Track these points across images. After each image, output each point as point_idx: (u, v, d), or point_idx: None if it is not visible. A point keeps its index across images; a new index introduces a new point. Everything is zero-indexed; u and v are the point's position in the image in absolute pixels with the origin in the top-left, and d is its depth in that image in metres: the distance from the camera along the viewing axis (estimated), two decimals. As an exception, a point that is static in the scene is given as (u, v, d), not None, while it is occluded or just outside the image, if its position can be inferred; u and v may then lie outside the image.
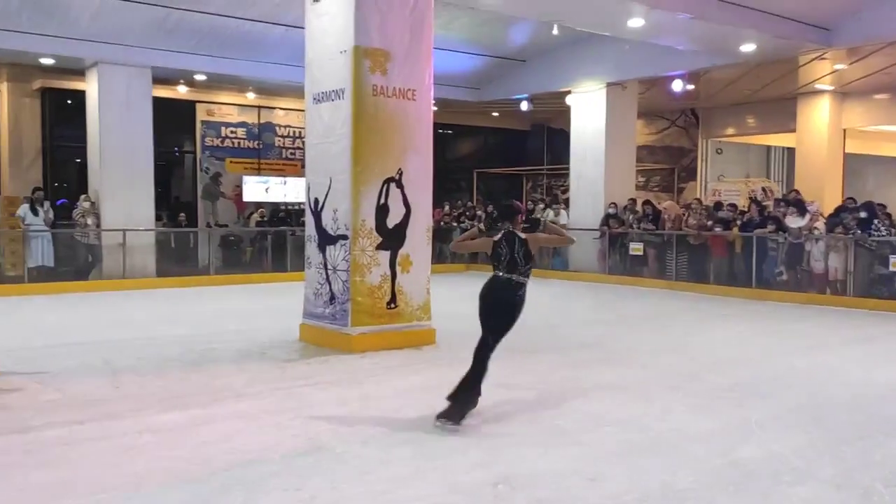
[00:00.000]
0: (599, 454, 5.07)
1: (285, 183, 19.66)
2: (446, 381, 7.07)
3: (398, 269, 8.80)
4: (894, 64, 15.36)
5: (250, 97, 19.56)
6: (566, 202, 19.02)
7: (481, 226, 5.68)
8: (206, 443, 5.24)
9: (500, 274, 5.80)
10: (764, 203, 15.62)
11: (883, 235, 12.58)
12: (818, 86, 17.73)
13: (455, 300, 11.41)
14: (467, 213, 19.97)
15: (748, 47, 13.60)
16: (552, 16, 13.08)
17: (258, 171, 19.95)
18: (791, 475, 4.72)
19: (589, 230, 16.46)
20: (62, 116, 17.63)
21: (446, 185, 22.20)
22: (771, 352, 8.91)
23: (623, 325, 10.80)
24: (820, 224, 13.50)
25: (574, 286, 15.36)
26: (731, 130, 21.59)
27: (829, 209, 14.72)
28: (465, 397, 5.69)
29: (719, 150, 22.21)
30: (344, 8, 8.55)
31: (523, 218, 6.21)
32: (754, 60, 14.80)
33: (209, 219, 18.83)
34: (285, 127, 20.46)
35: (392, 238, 8.76)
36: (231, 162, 19.72)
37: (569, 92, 17.71)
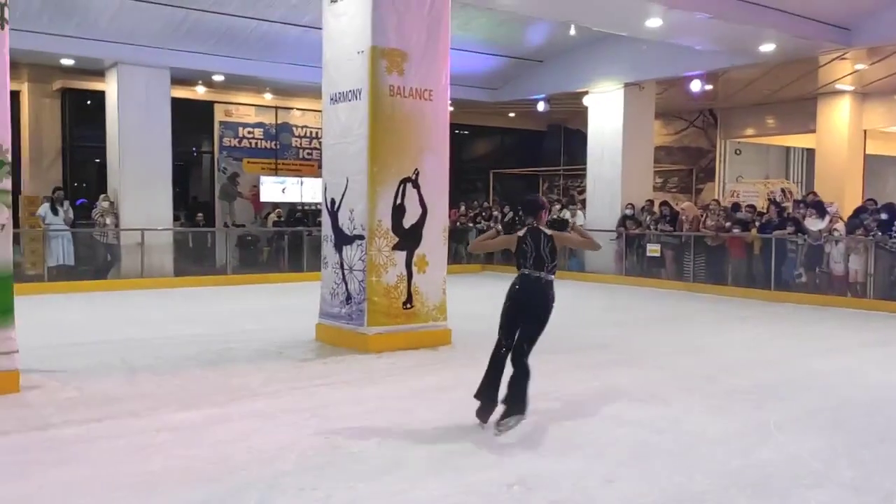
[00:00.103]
0: (615, 456, 5.04)
1: (302, 183, 19.73)
2: (462, 381, 7.07)
3: (414, 269, 8.80)
4: (916, 64, 15.21)
5: (268, 98, 19.65)
6: (583, 203, 18.95)
7: (499, 227, 5.54)
8: (223, 442, 5.26)
9: (528, 272, 5.58)
10: (783, 204, 15.49)
11: (904, 237, 12.44)
12: (838, 86, 17.56)
13: (471, 300, 11.41)
14: (483, 214, 19.95)
15: (767, 47, 13.49)
16: (569, 16, 13.04)
17: (275, 172, 20.03)
18: (810, 478, 4.68)
19: (606, 231, 16.40)
20: (82, 117, 17.79)
21: (462, 185, 22.20)
22: (790, 354, 8.83)
23: (640, 327, 10.74)
24: (840, 226, 13.37)
25: (590, 287, 15.30)
26: (750, 131, 21.42)
27: (849, 211, 14.58)
28: (481, 398, 5.65)
29: (738, 151, 22.05)
30: (361, 8, 8.56)
31: (548, 213, 6.04)
32: (774, 60, 14.68)
33: (226, 219, 18.94)
34: (302, 127, 20.53)
35: (408, 238, 8.76)
36: (248, 162, 19.81)
37: (586, 92, 17.64)
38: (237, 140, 19.68)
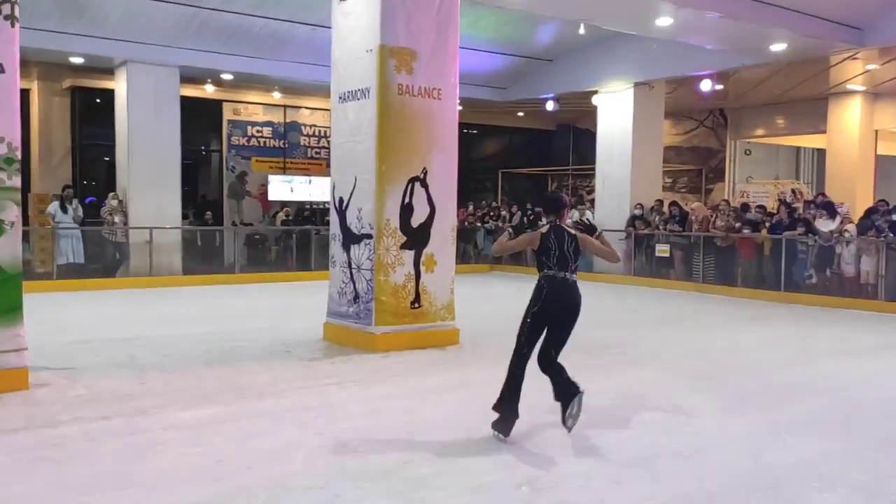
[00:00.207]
0: (624, 457, 5.01)
1: (310, 182, 19.75)
2: (469, 381, 7.06)
3: (422, 268, 8.79)
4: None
5: (276, 96, 19.68)
6: (592, 203, 18.91)
7: (510, 229, 5.41)
8: (230, 440, 5.26)
9: (553, 273, 5.30)
10: (794, 205, 15.41)
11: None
12: (850, 86, 17.46)
13: (479, 300, 11.40)
14: (492, 214, 19.93)
15: (778, 47, 13.42)
16: (579, 15, 13.00)
17: (283, 171, 20.07)
18: (820, 481, 4.64)
19: (615, 231, 16.34)
20: (91, 115, 17.85)
21: (471, 184, 22.18)
22: (800, 356, 8.78)
23: (649, 328, 10.70)
24: (851, 227, 13.29)
25: (598, 287, 15.23)
26: (760, 131, 21.33)
27: (860, 212, 14.49)
28: (506, 410, 5.34)
29: (748, 151, 21.96)
30: (370, 7, 8.55)
31: (569, 212, 5.86)
32: (784, 60, 14.61)
33: (235, 217, 18.98)
34: (311, 126, 20.56)
35: (416, 237, 8.75)
36: (257, 161, 19.86)
37: (595, 92, 17.60)
38: (246, 139, 19.73)
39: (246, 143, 19.74)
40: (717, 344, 9.42)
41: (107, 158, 17.29)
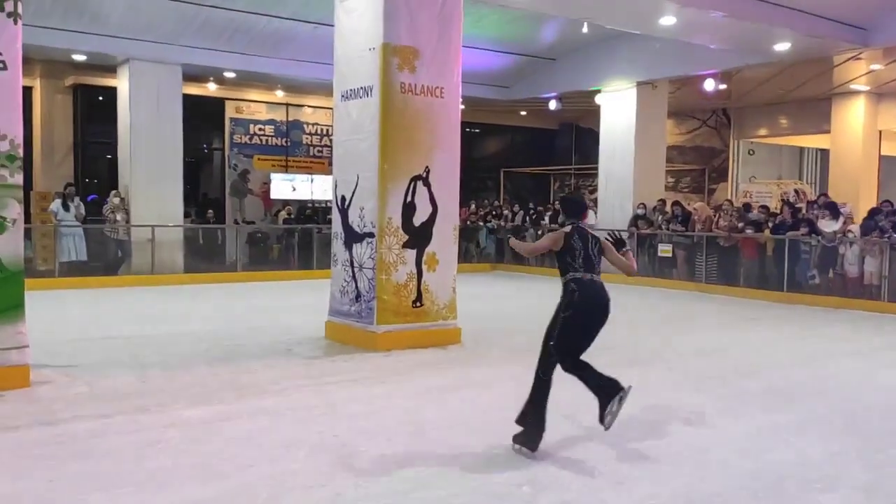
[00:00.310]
0: (625, 457, 5.00)
1: (312, 180, 19.76)
2: (470, 380, 7.06)
3: (424, 267, 8.77)
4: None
5: (279, 95, 19.68)
6: (594, 202, 18.89)
7: (512, 239, 5.27)
8: (232, 438, 5.25)
9: (581, 275, 5.03)
10: (797, 205, 15.39)
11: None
12: (853, 86, 17.43)
13: (481, 300, 11.38)
14: (494, 213, 19.92)
15: (782, 46, 13.40)
16: (582, 14, 12.98)
17: (286, 169, 20.07)
18: (822, 482, 4.63)
19: (617, 231, 16.30)
20: (93, 113, 17.85)
21: (473, 184, 22.18)
22: (802, 356, 8.76)
23: (650, 328, 10.67)
24: (854, 227, 13.26)
25: (601, 287, 15.23)
26: (763, 131, 21.30)
27: (863, 212, 14.46)
28: (534, 421, 5.03)
29: (751, 151, 21.93)
30: (373, 5, 8.54)
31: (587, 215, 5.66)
32: (788, 60, 14.58)
33: (237, 216, 18.98)
34: (313, 125, 20.55)
35: (418, 236, 8.74)
36: (259, 159, 19.86)
37: (598, 91, 17.58)
38: (248, 137, 19.73)
39: (248, 142, 19.74)
40: (720, 344, 9.40)
41: (109, 156, 17.29)
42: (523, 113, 22.75)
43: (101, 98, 17.55)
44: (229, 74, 17.17)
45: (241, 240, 17.06)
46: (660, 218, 16.29)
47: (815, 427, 5.80)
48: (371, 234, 8.59)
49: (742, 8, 11.85)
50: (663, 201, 16.82)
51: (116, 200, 15.12)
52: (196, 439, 5.23)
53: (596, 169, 18.27)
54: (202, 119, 18.64)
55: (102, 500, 4.20)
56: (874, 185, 18.28)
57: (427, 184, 8.75)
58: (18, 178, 6.54)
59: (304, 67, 16.13)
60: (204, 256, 16.32)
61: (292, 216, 18.40)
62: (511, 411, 5.88)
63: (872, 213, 13.65)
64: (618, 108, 17.31)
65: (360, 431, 5.43)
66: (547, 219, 18.39)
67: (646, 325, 10.86)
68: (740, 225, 14.63)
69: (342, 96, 9.10)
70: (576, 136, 23.90)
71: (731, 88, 18.33)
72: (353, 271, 8.87)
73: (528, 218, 19.11)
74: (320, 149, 20.53)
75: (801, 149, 22.57)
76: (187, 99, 16.07)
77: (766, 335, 10.18)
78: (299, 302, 12.18)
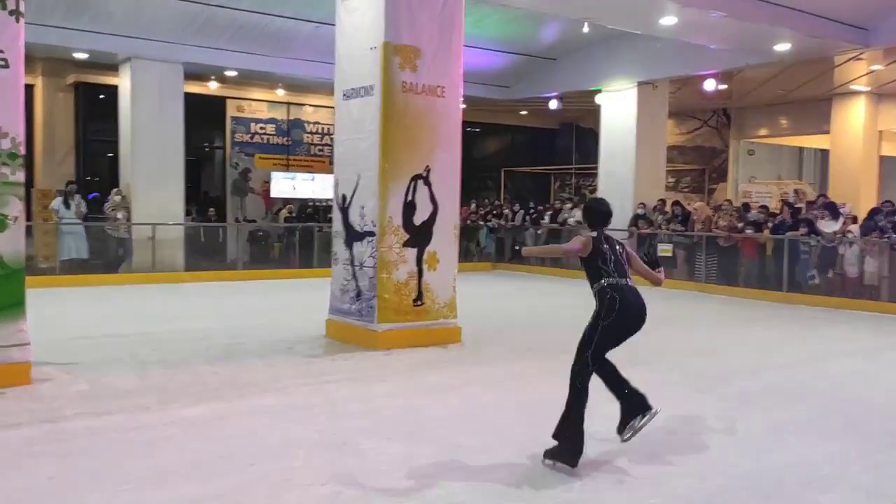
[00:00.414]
0: (625, 457, 5.01)
1: (313, 179, 19.76)
2: (470, 379, 7.07)
3: (425, 266, 8.78)
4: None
5: (280, 94, 19.69)
6: (595, 202, 18.88)
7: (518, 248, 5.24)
8: (232, 437, 5.26)
9: (616, 281, 4.99)
10: (797, 205, 15.40)
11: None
12: (854, 86, 17.42)
13: (481, 299, 11.38)
14: (494, 212, 19.93)
15: (783, 46, 13.39)
16: (583, 13, 12.98)
17: (287, 168, 20.08)
18: (821, 482, 4.64)
19: (617, 230, 16.32)
20: (95, 111, 17.86)
21: (473, 183, 22.17)
22: (802, 356, 8.77)
23: (650, 328, 10.60)
24: (854, 228, 13.26)
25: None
26: (763, 131, 21.29)
27: (863, 212, 14.46)
28: (572, 434, 4.80)
29: (751, 152, 21.92)
30: (374, 4, 8.54)
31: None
32: (789, 60, 14.58)
33: (238, 214, 18.99)
34: (314, 123, 20.56)
35: (419, 235, 8.74)
36: (260, 158, 19.87)
37: (599, 90, 17.57)
38: (249, 136, 19.74)
39: (249, 140, 19.75)
40: (719, 344, 9.41)
41: (110, 154, 17.28)
42: (524, 112, 22.75)
43: (102, 96, 17.56)
44: (231, 73, 17.18)
45: (242, 238, 17.07)
46: (660, 218, 16.30)
47: (815, 427, 5.81)
48: (372, 233, 8.60)
49: (742, 8, 11.85)
50: (663, 201, 16.83)
51: (118, 198, 15.12)
52: (196, 437, 5.24)
53: (596, 168, 18.26)
54: (203, 117, 18.63)
55: (103, 497, 4.21)
56: (874, 185, 18.27)
57: (428, 183, 8.75)
58: (20, 176, 6.55)
59: (306, 66, 16.14)
60: (205, 255, 16.32)
61: (293, 215, 18.40)
62: (511, 410, 5.91)
63: (873, 213, 13.66)
64: (618, 108, 17.31)
65: (361, 430, 5.44)
66: (547, 218, 18.42)
67: (646, 325, 10.85)
68: (740, 225, 14.64)
69: (343, 95, 9.10)
70: (576, 135, 23.89)
71: (732, 88, 18.33)
72: (353, 270, 8.87)
73: (528, 217, 19.13)
74: (321, 148, 20.53)
75: (802, 149, 22.56)
76: (189, 97, 16.07)
77: (766, 335, 10.19)
78: (300, 300, 12.18)
